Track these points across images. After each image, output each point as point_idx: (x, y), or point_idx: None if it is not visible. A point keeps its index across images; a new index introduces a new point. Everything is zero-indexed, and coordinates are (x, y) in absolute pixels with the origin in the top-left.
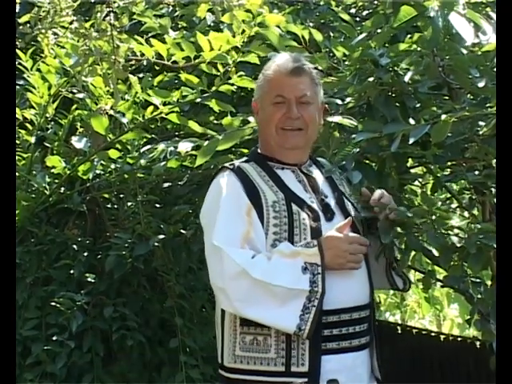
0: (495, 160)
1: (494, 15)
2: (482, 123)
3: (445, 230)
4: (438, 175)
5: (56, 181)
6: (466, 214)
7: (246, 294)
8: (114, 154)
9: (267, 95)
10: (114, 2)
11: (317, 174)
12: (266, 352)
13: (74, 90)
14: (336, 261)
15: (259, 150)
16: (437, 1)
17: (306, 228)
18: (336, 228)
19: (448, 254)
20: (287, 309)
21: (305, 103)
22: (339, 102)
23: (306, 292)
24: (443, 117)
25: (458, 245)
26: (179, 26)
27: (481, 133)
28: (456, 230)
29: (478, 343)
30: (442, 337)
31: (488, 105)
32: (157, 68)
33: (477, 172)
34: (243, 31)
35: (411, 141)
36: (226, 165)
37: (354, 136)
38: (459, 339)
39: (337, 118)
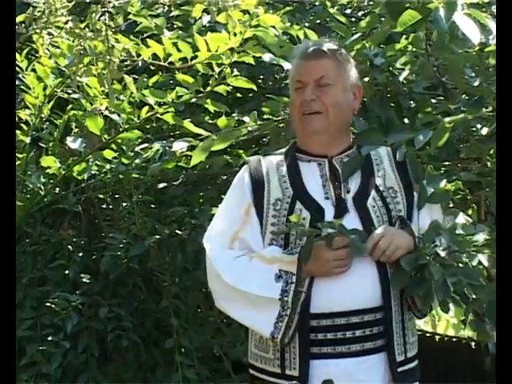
0: (495, 160)
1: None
2: (478, 124)
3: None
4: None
5: (51, 181)
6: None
7: (224, 295)
8: (109, 154)
9: (291, 83)
10: (109, 2)
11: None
12: (267, 352)
13: (69, 91)
14: (321, 269)
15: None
16: (440, 2)
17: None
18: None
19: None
20: (263, 314)
21: (323, 86)
22: None
23: (277, 300)
24: (447, 119)
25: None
26: (174, 26)
27: (483, 133)
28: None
29: (473, 344)
30: (437, 337)
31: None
32: (152, 68)
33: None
34: (240, 32)
35: (417, 147)
36: (250, 158)
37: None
38: (454, 340)
39: None
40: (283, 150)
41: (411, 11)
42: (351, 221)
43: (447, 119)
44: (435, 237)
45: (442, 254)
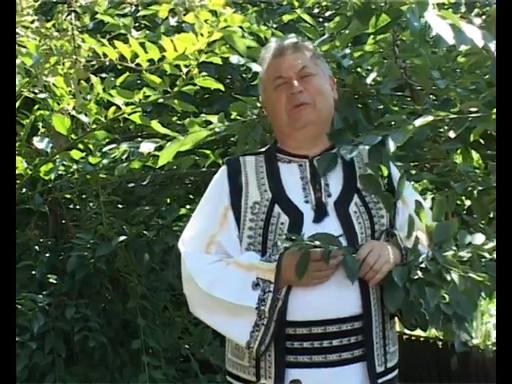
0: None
1: (472, 18)
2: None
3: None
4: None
5: (17, 181)
6: None
7: (198, 301)
8: (76, 154)
9: (268, 83)
10: (76, 2)
11: (335, 168)
12: (242, 359)
13: (36, 90)
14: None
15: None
16: (412, 3)
17: (281, 233)
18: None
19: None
20: (239, 323)
21: (306, 75)
22: None
23: (253, 309)
24: (418, 120)
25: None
26: (142, 25)
27: (450, 135)
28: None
29: (440, 343)
30: (404, 337)
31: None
32: (119, 68)
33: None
34: (208, 32)
35: (392, 149)
36: (229, 158)
37: None
38: (421, 339)
39: None
40: (263, 149)
41: (384, 16)
42: (330, 225)
43: (419, 120)
44: (421, 247)
45: (430, 268)
